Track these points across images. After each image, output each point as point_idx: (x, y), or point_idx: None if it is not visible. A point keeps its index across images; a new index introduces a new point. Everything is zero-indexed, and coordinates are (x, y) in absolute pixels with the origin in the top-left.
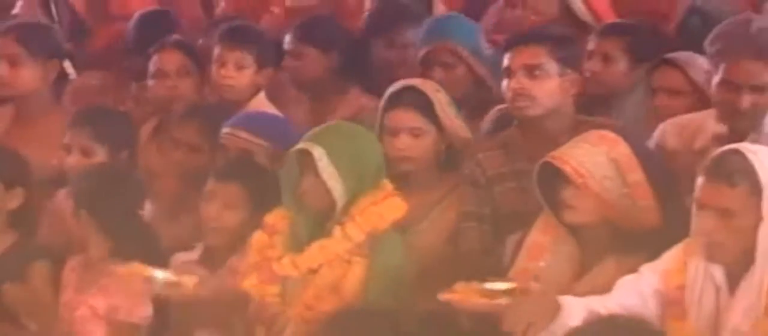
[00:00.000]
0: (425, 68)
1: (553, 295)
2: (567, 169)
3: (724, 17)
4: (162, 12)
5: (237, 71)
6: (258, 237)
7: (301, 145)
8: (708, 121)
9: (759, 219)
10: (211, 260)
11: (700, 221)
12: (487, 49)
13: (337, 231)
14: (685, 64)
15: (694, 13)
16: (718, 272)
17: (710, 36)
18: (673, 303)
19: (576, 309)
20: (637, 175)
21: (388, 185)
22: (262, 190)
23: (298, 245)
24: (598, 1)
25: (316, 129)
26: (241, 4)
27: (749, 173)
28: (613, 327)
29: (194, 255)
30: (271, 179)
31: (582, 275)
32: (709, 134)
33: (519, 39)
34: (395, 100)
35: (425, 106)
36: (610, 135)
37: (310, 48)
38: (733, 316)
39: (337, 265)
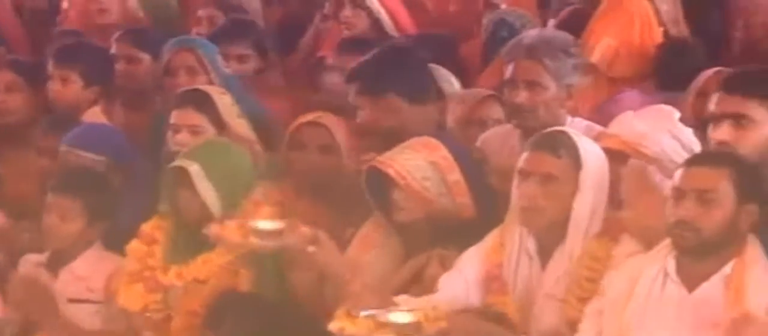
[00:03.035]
0: (170, 75)
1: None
2: (390, 172)
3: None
4: None
5: (62, 86)
6: (135, 246)
7: (177, 163)
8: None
9: (576, 189)
10: (56, 263)
11: (522, 189)
12: (226, 68)
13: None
14: None
15: (504, 26)
16: (531, 245)
17: (503, 49)
18: (493, 279)
19: None
20: (455, 175)
21: (257, 196)
22: (96, 200)
23: (178, 255)
24: (404, 18)
25: (192, 146)
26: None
27: (572, 148)
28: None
29: (43, 258)
30: (107, 189)
31: (400, 268)
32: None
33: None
34: (179, 101)
35: (208, 107)
36: (431, 141)
37: (145, 53)
38: (545, 283)
39: (224, 276)
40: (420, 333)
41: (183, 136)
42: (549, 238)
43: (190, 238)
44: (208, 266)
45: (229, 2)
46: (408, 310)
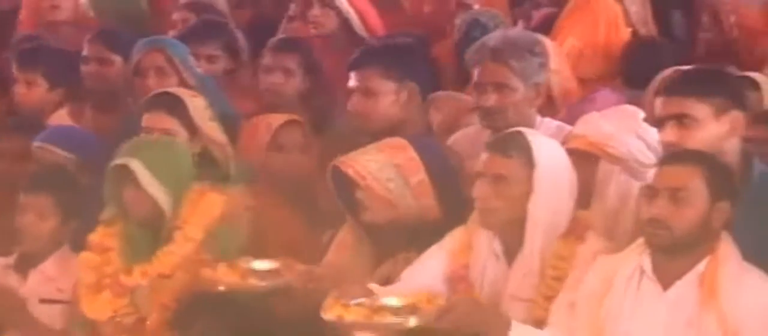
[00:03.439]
0: (139, 75)
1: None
2: (350, 172)
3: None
4: None
5: (27, 90)
6: (87, 257)
7: (118, 161)
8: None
9: (530, 190)
10: (24, 265)
11: (477, 188)
12: (197, 68)
13: (178, 235)
14: None
15: (477, 26)
16: (498, 246)
17: (467, 51)
18: (459, 280)
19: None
20: (419, 176)
21: (198, 184)
22: (70, 198)
23: (138, 255)
24: (373, 18)
25: (129, 144)
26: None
27: (525, 148)
28: None
29: (10, 260)
30: (78, 188)
31: (373, 271)
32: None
33: (355, 61)
34: (150, 104)
35: (179, 110)
36: (398, 142)
37: (117, 55)
38: (510, 285)
39: (189, 266)
40: (417, 314)
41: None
42: (511, 238)
43: (147, 236)
44: (170, 259)
45: (202, 4)
46: (400, 295)
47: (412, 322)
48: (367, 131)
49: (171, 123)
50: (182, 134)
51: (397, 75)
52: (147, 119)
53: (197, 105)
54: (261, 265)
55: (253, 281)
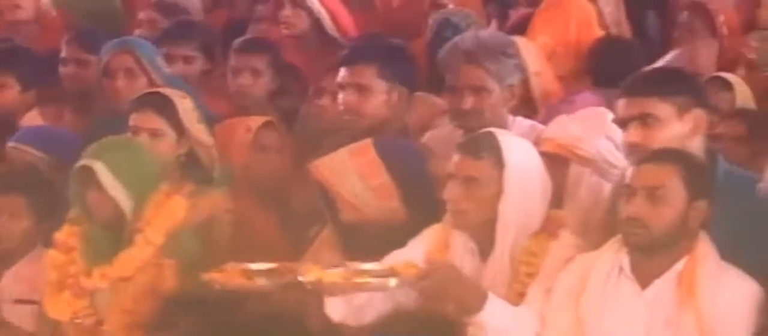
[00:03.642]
0: (108, 77)
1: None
2: (319, 177)
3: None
4: None
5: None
6: (53, 255)
7: (81, 163)
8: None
9: (500, 191)
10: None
11: (448, 190)
12: (165, 68)
13: (139, 239)
14: None
15: (448, 26)
16: (473, 245)
17: (440, 53)
18: None
19: None
20: (381, 179)
21: (165, 187)
22: (43, 198)
23: (100, 257)
24: (345, 18)
25: (93, 145)
26: None
27: (495, 149)
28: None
29: None
30: (52, 188)
31: None
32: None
33: (349, 58)
34: (139, 104)
35: (168, 111)
36: (362, 145)
37: (93, 56)
38: (485, 284)
39: (149, 269)
40: (397, 277)
41: (142, 140)
42: (483, 239)
43: (109, 238)
44: (130, 262)
45: (170, 4)
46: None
47: (392, 283)
48: (356, 128)
49: (159, 123)
50: (170, 135)
51: (390, 75)
52: (135, 119)
53: (186, 106)
54: (260, 265)
55: (261, 281)
